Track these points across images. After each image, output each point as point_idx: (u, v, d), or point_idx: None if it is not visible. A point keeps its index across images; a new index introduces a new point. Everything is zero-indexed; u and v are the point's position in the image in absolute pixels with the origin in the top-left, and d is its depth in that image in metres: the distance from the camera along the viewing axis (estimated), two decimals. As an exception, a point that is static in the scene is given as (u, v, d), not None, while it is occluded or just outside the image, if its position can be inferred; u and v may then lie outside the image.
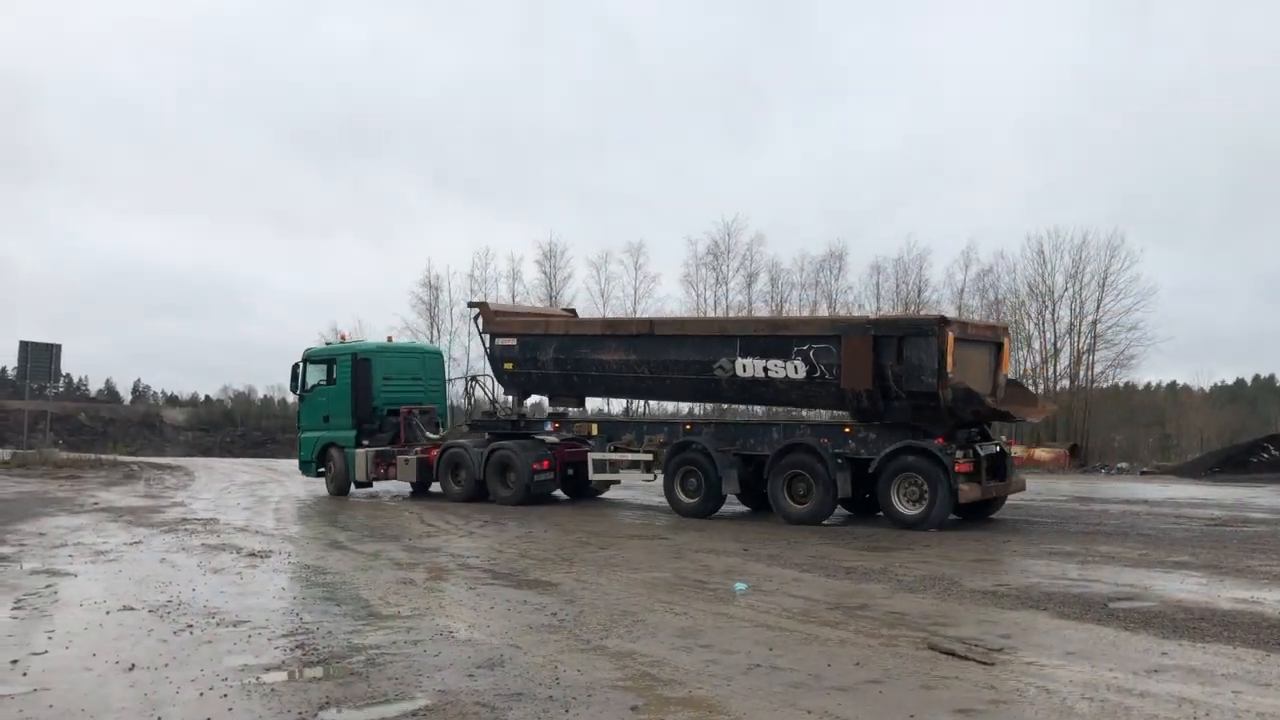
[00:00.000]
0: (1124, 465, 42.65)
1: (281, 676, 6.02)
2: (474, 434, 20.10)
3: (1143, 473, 39.26)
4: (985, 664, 6.28)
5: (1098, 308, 50.52)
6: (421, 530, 14.56)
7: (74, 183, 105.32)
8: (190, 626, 7.47)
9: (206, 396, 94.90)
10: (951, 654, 6.53)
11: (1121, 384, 54.60)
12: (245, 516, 16.43)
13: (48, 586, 9.29)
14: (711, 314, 53.76)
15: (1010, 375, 16.67)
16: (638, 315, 53.18)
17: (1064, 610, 8.25)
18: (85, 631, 7.32)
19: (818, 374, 15.38)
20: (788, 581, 9.80)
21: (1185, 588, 9.51)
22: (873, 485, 15.15)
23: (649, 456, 17.68)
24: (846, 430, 15.66)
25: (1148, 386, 65.66)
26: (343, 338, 28.41)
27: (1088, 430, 50.29)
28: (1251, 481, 30.54)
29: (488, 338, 19.90)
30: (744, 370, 16.07)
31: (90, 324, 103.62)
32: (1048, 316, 52.64)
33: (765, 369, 15.86)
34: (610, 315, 53.05)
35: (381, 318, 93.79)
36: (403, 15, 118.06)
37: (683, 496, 17.11)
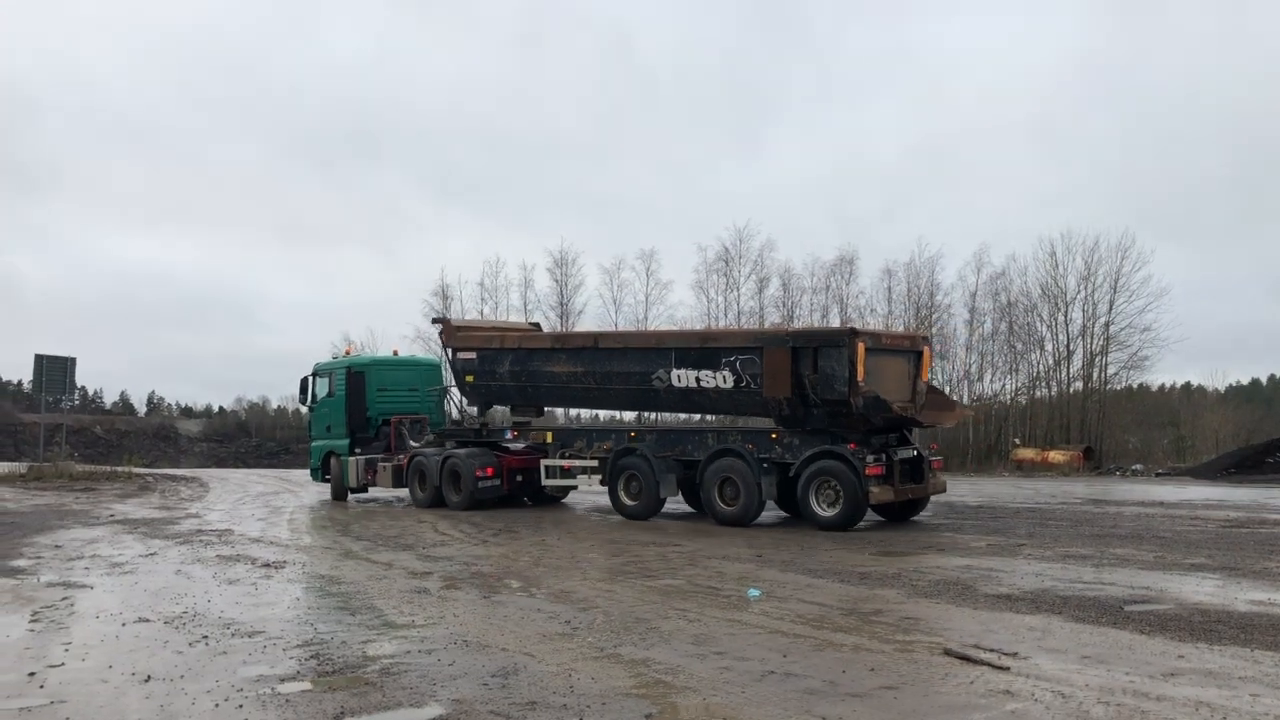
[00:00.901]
0: (1139, 467, 42.45)
1: (297, 687, 6.03)
2: (442, 443, 21.21)
3: (1158, 474, 39.08)
4: (1000, 669, 6.26)
5: (1110, 309, 50.39)
6: (435, 539, 14.58)
7: (79, 196, 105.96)
8: (206, 638, 7.49)
9: (221, 408, 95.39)
10: (966, 659, 6.51)
11: (1135, 386, 54.37)
12: (260, 527, 16.48)
13: (64, 599, 9.33)
14: (724, 320, 53.87)
15: (932, 381, 17.73)
16: (643, 322, 53.33)
17: (1079, 614, 8.22)
18: (101, 643, 7.35)
19: (744, 383, 16.37)
20: (801, 588, 9.78)
21: (1202, 590, 9.46)
22: (794, 488, 15.99)
23: (595, 463, 18.70)
24: (773, 436, 16.44)
25: (1162, 388, 65.39)
26: (348, 351, 28.94)
27: (1102, 432, 50.11)
28: (1268, 482, 30.37)
29: (450, 351, 21.19)
30: (679, 380, 17.17)
31: (102, 337, 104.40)
32: (1060, 319, 52.50)
33: (698, 379, 16.93)
34: (623, 323, 53.24)
35: (395, 327, 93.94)
36: (402, 21, 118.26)
37: (625, 499, 18.12)
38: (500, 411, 22.52)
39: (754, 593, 9.38)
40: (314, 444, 23.85)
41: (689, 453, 17.42)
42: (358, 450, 22.45)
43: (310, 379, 23.80)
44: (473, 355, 20.62)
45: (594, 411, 35.55)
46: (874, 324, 54.85)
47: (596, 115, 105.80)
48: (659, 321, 53.71)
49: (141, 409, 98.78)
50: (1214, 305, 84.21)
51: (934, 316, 54.76)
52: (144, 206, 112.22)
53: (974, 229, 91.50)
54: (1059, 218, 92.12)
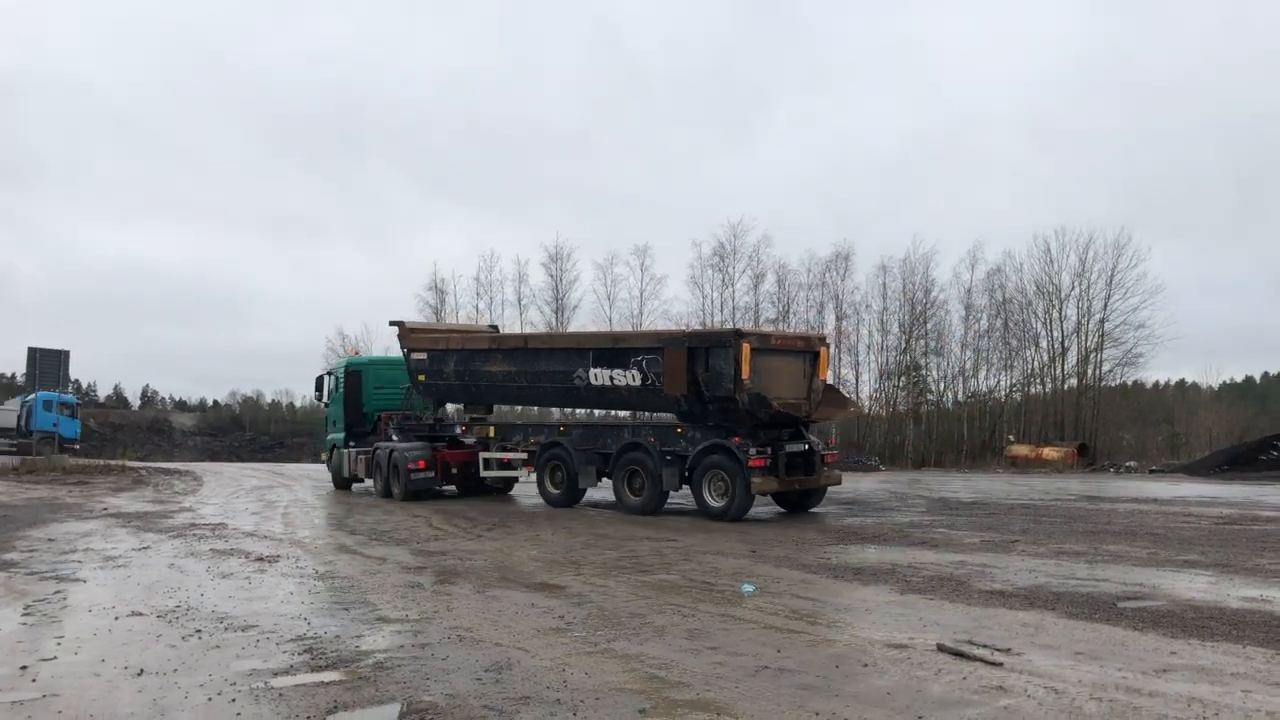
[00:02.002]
0: (1132, 464, 42.56)
1: (290, 681, 6.02)
2: (402, 437, 22.47)
3: (1151, 471, 39.17)
4: (994, 665, 6.27)
5: (1105, 306, 50.55)
6: (429, 534, 14.57)
7: (65, 189, 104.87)
8: (199, 631, 7.48)
9: (215, 401, 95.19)
10: (960, 655, 6.52)
11: (1130, 382, 54.57)
12: (253, 521, 16.47)
13: (57, 592, 9.31)
14: (718, 315, 53.96)
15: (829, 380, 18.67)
16: (638, 318, 53.32)
17: (1072, 610, 8.23)
18: (94, 637, 7.33)
19: (649, 381, 17.55)
20: (795, 583, 9.79)
21: (1194, 587, 9.48)
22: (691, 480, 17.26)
23: (525, 455, 20.10)
24: (678, 431, 17.68)
25: (1156, 385, 65.59)
26: (355, 351, 29.80)
27: (1096, 429, 50.23)
28: (1261, 479, 30.46)
29: (406, 352, 22.48)
30: (595, 379, 18.38)
31: (93, 330, 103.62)
32: (1055, 316, 52.65)
33: (611, 378, 18.16)
34: (618, 318, 53.23)
35: (388, 321, 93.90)
36: (384, 9, 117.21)
37: (550, 489, 19.52)
38: (455, 408, 24.08)
39: (748, 588, 9.39)
40: (327, 437, 26.07)
41: (606, 446, 18.61)
42: (352, 444, 24.04)
43: (325, 377, 26.08)
44: (424, 356, 21.98)
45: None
46: (863, 322, 55.00)
47: (585, 106, 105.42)
48: (653, 317, 53.82)
49: (135, 402, 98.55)
50: (1209, 302, 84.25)
51: (929, 313, 54.85)
52: (127, 197, 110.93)
53: (970, 223, 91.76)
54: (1055, 212, 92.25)
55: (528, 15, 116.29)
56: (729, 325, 51.74)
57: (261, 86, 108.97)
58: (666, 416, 18.93)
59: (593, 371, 18.37)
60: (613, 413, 25.72)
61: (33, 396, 51.50)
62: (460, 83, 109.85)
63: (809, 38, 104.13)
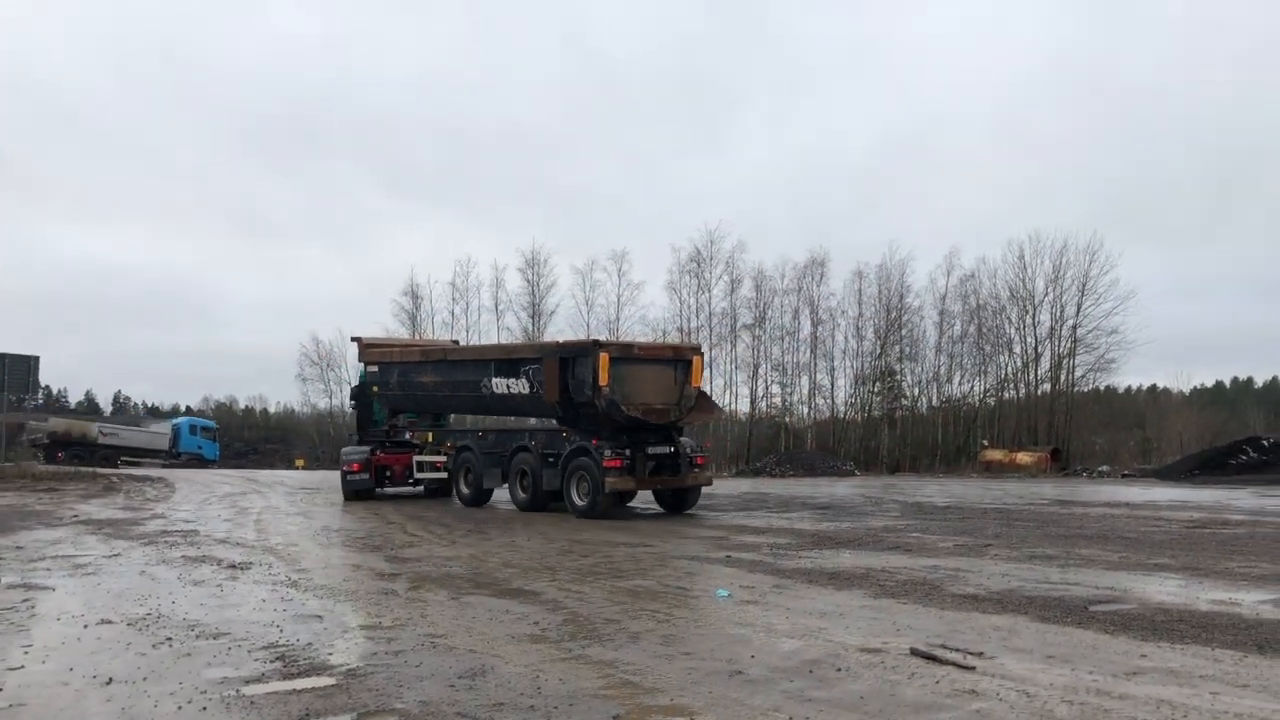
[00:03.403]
0: (1105, 468, 42.92)
1: (262, 689, 5.97)
2: (380, 444, 23.98)
3: (1124, 476, 39.52)
4: (966, 668, 6.30)
5: (1078, 312, 51.03)
6: (404, 540, 14.51)
7: (25, 189, 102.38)
8: (169, 639, 7.41)
9: (188, 408, 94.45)
10: (933, 659, 6.54)
11: (1102, 388, 55.09)
12: (226, 528, 16.33)
13: (24, 600, 9.19)
14: (694, 321, 54.02)
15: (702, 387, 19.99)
16: (615, 323, 53.34)
17: (1045, 614, 8.29)
18: (62, 645, 7.24)
19: (534, 389, 18.89)
20: (770, 588, 9.80)
21: (1165, 590, 9.57)
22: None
23: (444, 458, 21.84)
24: (563, 435, 18.85)
25: (1128, 390, 66.32)
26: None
27: (1069, 434, 50.67)
28: (1230, 483, 30.80)
29: (364, 366, 24.31)
30: (497, 388, 19.83)
31: (59, 334, 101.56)
32: (1028, 321, 53.09)
33: (508, 386, 19.62)
34: (595, 324, 53.20)
35: (364, 327, 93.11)
36: (353, 7, 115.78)
37: (463, 489, 21.34)
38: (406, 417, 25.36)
39: (722, 593, 9.40)
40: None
41: (505, 449, 20.21)
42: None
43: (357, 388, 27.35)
44: (376, 369, 23.71)
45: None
46: (838, 328, 55.20)
47: (555, 107, 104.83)
48: (630, 323, 53.87)
49: (107, 408, 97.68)
50: (1181, 307, 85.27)
51: (904, 318, 55.16)
52: (89, 198, 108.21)
53: (944, 225, 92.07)
54: (1028, 215, 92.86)
55: (496, 16, 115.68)
56: (688, 334, 52.44)
57: (226, 85, 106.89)
58: (553, 422, 20.03)
59: (494, 381, 19.85)
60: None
61: (179, 420, 61.21)
62: (430, 83, 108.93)
63: (778, 39, 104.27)
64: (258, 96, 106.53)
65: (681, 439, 19.07)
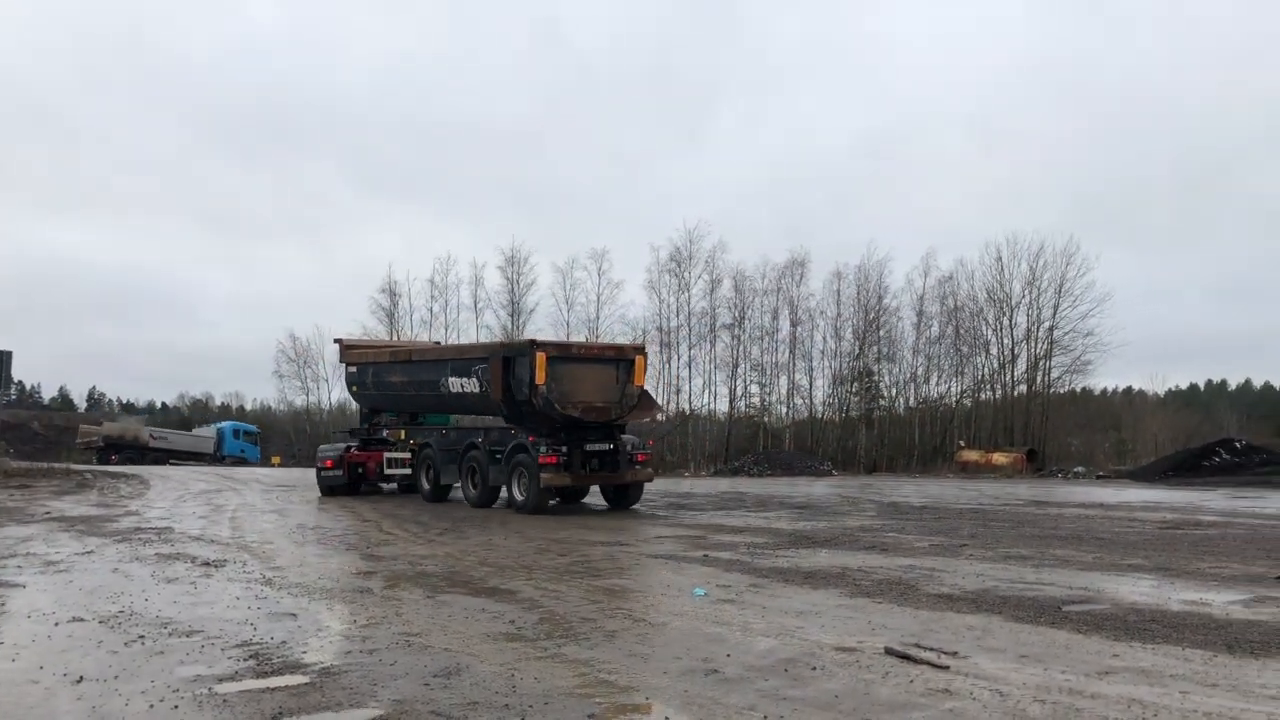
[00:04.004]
0: (1080, 469, 43.25)
1: (234, 687, 5.93)
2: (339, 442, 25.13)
3: (1099, 477, 39.83)
4: (940, 668, 6.33)
5: (1054, 314, 51.36)
6: (380, 538, 14.45)
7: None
8: (142, 637, 7.35)
9: (164, 404, 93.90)
10: (907, 658, 6.57)
11: (1078, 389, 55.46)
12: (200, 525, 16.22)
13: (-5, 598, 9.11)
14: (674, 321, 54.06)
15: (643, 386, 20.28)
16: (594, 322, 53.34)
17: (1019, 614, 8.34)
18: (33, 643, 7.17)
19: (483, 388, 19.45)
20: (746, 588, 9.82)
21: (1137, 590, 9.65)
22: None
23: (408, 455, 22.55)
24: (512, 431, 19.27)
25: (1104, 392, 66.82)
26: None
27: (1045, 435, 50.99)
28: (1204, 485, 31.10)
29: (345, 367, 25.31)
30: (453, 387, 20.43)
31: (28, 330, 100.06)
32: (1005, 323, 53.39)
33: (462, 385, 20.19)
34: (575, 322, 53.17)
35: (342, 325, 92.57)
36: None
37: (425, 485, 21.93)
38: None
39: (699, 592, 9.41)
40: None
41: (463, 446, 20.78)
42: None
43: None
44: (355, 370, 24.56)
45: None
46: (817, 328, 55.38)
47: (527, 100, 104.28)
48: (609, 322, 53.81)
49: (82, 405, 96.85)
50: (1156, 309, 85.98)
51: (882, 319, 55.37)
52: (52, 190, 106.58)
53: (921, 225, 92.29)
54: (1005, 215, 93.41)
55: (465, 8, 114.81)
56: (668, 333, 52.55)
57: (194, 77, 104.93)
58: (501, 420, 20.53)
59: (451, 380, 20.48)
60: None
61: (224, 425, 64.22)
62: (400, 75, 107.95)
63: (752, 36, 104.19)
64: (226, 88, 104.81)
65: (624, 437, 19.61)
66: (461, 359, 20.61)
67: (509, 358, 18.83)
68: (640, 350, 20.40)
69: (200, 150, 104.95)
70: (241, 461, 57.96)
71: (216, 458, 58.71)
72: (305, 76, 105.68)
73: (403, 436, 23.14)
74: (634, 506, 19.90)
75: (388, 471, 22.96)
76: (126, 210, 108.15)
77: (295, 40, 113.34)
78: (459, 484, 20.99)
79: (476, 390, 19.69)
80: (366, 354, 24.92)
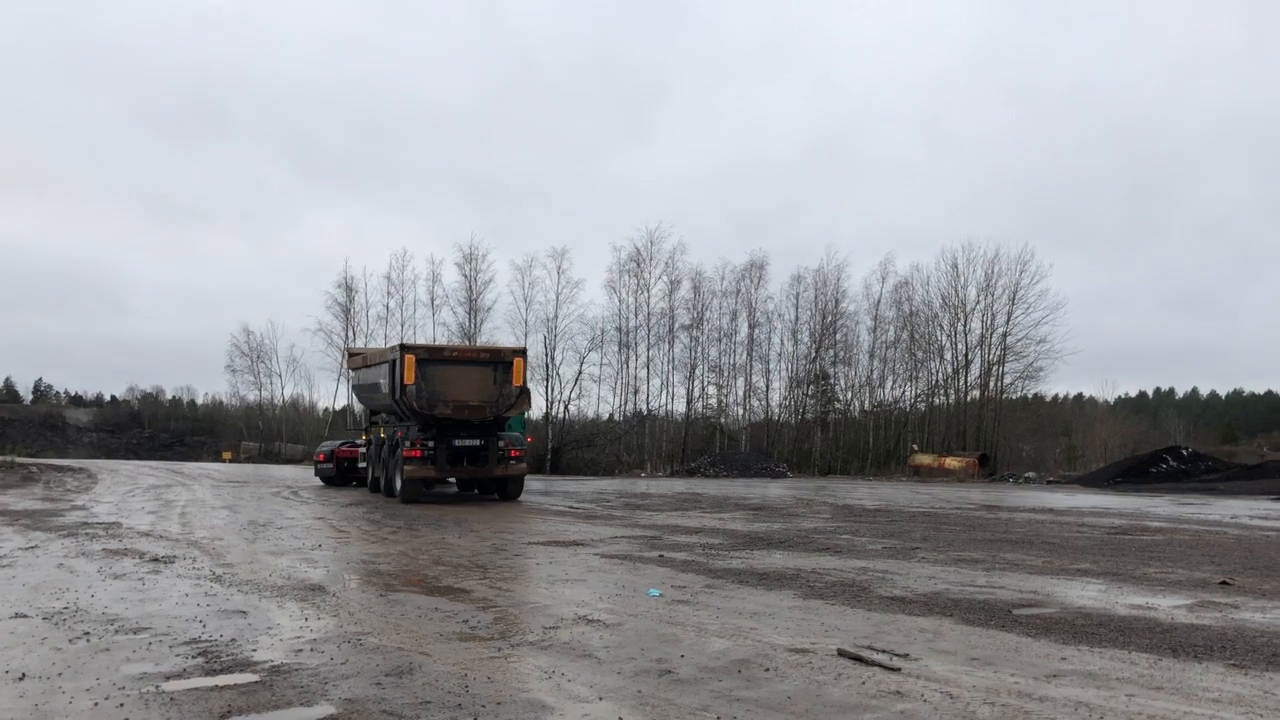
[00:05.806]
0: (1031, 475, 43.83)
1: (182, 685, 5.84)
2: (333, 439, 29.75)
3: (1049, 482, 40.38)
4: (891, 670, 6.38)
5: (1008, 320, 52.09)
6: (333, 536, 14.31)
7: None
8: (87, 634, 7.22)
9: (113, 397, 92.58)
10: (859, 660, 6.62)
11: (1030, 396, 56.24)
12: (149, 521, 15.97)
13: (-65, 593, 8.91)
14: (633, 320, 54.12)
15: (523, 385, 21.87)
16: (553, 321, 53.27)
17: (969, 616, 8.43)
18: (-26, 640, 7.03)
19: (386, 389, 21.36)
20: (701, 588, 9.84)
21: (1085, 594, 9.78)
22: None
23: (363, 450, 25.83)
24: (400, 429, 21.29)
25: (1055, 398, 67.73)
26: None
27: (997, 440, 51.64)
28: (1152, 491, 31.63)
29: (349, 373, 28.71)
30: (382, 388, 22.07)
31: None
32: (960, 329, 54.05)
33: (381, 386, 22.01)
34: (533, 320, 53.07)
35: (296, 320, 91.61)
36: None
37: (371, 478, 24.48)
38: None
39: (654, 592, 9.41)
40: None
41: (384, 443, 22.95)
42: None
43: None
44: (353, 374, 26.98)
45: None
46: (775, 331, 55.65)
47: (473, 90, 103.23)
48: (568, 321, 53.72)
49: (27, 397, 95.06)
50: (1106, 316, 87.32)
51: (839, 323, 55.78)
52: None
53: (876, 224, 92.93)
54: (958, 217, 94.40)
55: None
56: (627, 333, 52.60)
57: (124, 58, 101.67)
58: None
59: (382, 382, 21.98)
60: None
61: None
62: (339, 58, 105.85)
63: (699, 28, 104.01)
64: (158, 70, 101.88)
65: (501, 433, 21.27)
66: (384, 362, 22.11)
67: (394, 360, 20.56)
68: (520, 352, 21.86)
69: (134, 135, 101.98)
70: None
71: None
72: (242, 59, 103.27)
73: (365, 436, 25.99)
74: (519, 499, 21.75)
75: (360, 466, 26.37)
76: (55, 196, 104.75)
77: (233, 19, 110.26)
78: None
79: (388, 390, 21.42)
80: (354, 360, 27.46)
